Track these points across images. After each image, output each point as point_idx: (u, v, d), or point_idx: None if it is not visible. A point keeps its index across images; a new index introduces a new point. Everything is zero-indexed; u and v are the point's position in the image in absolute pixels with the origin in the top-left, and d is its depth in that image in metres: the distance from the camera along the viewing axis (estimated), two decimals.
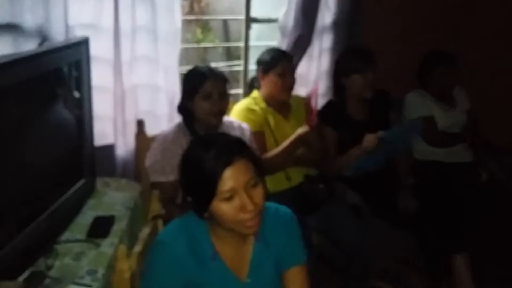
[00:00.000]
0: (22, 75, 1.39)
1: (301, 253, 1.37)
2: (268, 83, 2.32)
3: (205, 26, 4.50)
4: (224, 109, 2.00)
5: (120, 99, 2.20)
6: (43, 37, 1.93)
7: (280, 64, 2.29)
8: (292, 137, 2.19)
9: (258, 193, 1.17)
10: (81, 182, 1.85)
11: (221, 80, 1.98)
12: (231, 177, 1.13)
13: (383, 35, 2.88)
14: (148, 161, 2.02)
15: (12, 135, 1.38)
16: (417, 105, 2.80)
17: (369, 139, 2.24)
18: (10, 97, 1.34)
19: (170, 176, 1.94)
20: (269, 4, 2.67)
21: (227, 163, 1.13)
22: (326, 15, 2.64)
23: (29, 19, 1.85)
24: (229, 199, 1.14)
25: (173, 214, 1.59)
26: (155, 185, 1.96)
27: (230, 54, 4.51)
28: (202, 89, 1.93)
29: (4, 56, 1.41)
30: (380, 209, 2.43)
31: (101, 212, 1.86)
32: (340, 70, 2.51)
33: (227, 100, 2.02)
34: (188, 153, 1.21)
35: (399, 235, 2.40)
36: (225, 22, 4.55)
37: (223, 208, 1.15)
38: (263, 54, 2.36)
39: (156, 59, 2.24)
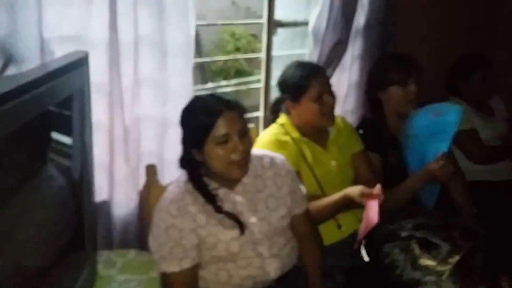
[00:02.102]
0: None
1: None
2: (303, 112, 1.77)
3: None
4: (247, 153, 1.40)
5: (119, 139, 1.59)
6: (7, 56, 1.31)
7: (313, 84, 1.74)
8: (339, 195, 1.64)
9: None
10: (84, 273, 1.23)
11: (239, 113, 1.38)
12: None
13: (418, 42, 2.44)
14: (152, 243, 1.40)
15: None
16: None
17: (439, 166, 1.76)
18: None
19: (184, 261, 1.35)
20: (290, 5, 2.13)
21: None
22: (360, 15, 2.15)
23: None
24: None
25: None
26: (164, 277, 1.37)
27: (202, 69, 3.93)
28: (214, 131, 1.34)
29: None
30: None
31: None
32: (376, 82, 2.04)
33: (250, 138, 1.43)
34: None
35: None
36: (196, 33, 3.94)
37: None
38: (286, 73, 1.80)
39: (164, 82, 1.64)
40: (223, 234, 1.39)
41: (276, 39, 2.07)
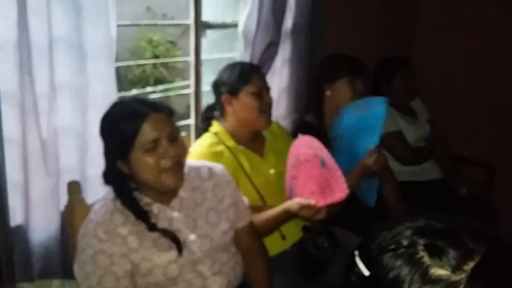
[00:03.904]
0: None
1: None
2: (240, 108, 1.68)
3: None
4: (182, 158, 1.28)
5: (34, 154, 1.39)
6: None
7: (254, 79, 1.68)
8: (279, 210, 1.55)
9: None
10: None
11: (167, 115, 1.24)
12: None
13: (346, 43, 2.45)
14: (78, 272, 1.23)
15: None
16: None
17: (374, 159, 1.75)
18: None
19: None
20: (217, 6, 2.04)
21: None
22: (288, 18, 2.09)
23: None
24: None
25: None
26: None
27: (118, 78, 3.67)
28: (140, 137, 1.19)
29: None
30: None
31: None
32: (322, 77, 2.01)
33: (183, 143, 1.29)
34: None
35: None
36: None
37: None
38: (223, 73, 1.72)
39: (84, 88, 1.47)
40: (159, 258, 1.24)
41: (204, 42, 1.97)
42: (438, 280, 0.57)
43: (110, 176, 1.26)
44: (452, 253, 0.58)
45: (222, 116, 1.74)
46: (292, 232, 1.74)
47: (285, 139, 1.87)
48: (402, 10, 2.92)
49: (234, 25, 2.02)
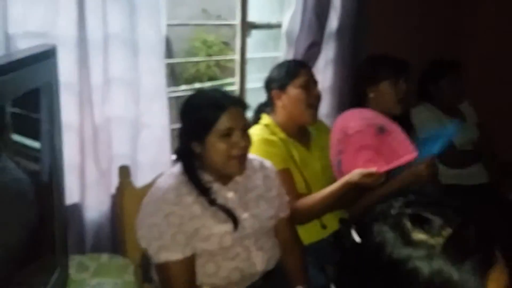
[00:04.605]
0: None
1: None
2: (288, 101, 1.78)
3: None
4: (246, 149, 1.42)
5: (90, 139, 1.54)
6: None
7: (302, 72, 1.78)
8: (338, 184, 1.62)
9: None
10: (55, 275, 1.17)
11: (242, 110, 1.42)
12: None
13: (390, 44, 2.46)
14: (144, 234, 1.36)
15: None
16: (427, 121, 2.42)
17: (427, 168, 1.75)
18: None
19: (187, 249, 1.33)
20: (263, 7, 2.13)
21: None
22: (333, 19, 2.15)
23: None
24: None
25: None
26: (165, 268, 1.33)
27: (174, 76, 3.89)
28: (218, 124, 1.35)
29: None
30: None
31: None
32: (366, 77, 2.03)
33: (250, 136, 1.43)
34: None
35: None
36: (168, 41, 3.90)
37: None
38: (273, 71, 1.84)
39: (136, 82, 1.61)
40: (216, 227, 1.38)
41: (249, 42, 2.06)
42: (417, 243, 0.63)
43: (183, 153, 1.42)
44: (432, 222, 0.63)
45: (272, 111, 1.83)
46: (332, 222, 1.81)
47: (328, 136, 1.93)
48: (450, 10, 2.87)
49: (279, 26, 2.10)
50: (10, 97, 0.93)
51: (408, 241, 0.63)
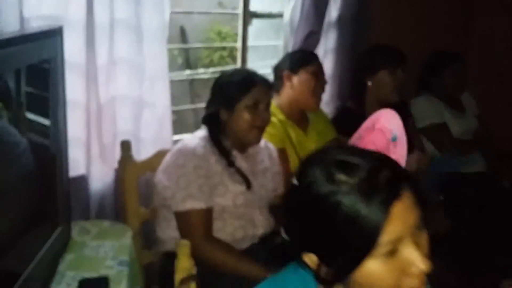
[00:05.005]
0: None
1: None
2: (298, 84, 1.92)
3: None
4: (268, 122, 1.64)
5: (95, 116, 1.68)
6: None
7: (314, 62, 1.94)
8: None
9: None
10: (57, 232, 1.31)
11: (269, 88, 1.64)
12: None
13: (391, 35, 2.54)
14: (170, 185, 1.53)
15: None
16: (427, 111, 2.52)
17: (419, 159, 1.86)
18: None
19: (210, 199, 1.53)
20: None
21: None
22: (333, 9, 2.26)
23: None
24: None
25: (217, 256, 1.47)
26: (189, 216, 1.50)
27: (189, 64, 4.03)
28: (248, 97, 1.56)
29: None
30: None
31: (86, 273, 1.33)
32: (365, 67, 2.15)
33: (270, 113, 1.64)
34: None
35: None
36: (182, 29, 4.05)
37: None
38: (286, 56, 2.02)
39: (140, 64, 1.74)
40: (233, 186, 1.57)
41: (251, 30, 2.18)
42: (337, 182, 0.73)
43: (210, 119, 1.62)
44: (354, 165, 0.74)
45: (278, 92, 1.95)
46: None
47: (325, 121, 2.06)
48: (453, 6, 2.93)
49: (280, 15, 2.21)
50: (18, 66, 1.07)
51: (331, 180, 0.74)
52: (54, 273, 1.31)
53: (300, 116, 1.98)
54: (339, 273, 0.75)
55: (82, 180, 1.72)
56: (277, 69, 1.98)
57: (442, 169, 2.47)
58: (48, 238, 1.25)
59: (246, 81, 1.57)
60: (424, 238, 0.76)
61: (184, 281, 1.11)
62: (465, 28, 3.03)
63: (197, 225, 1.49)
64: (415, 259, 0.72)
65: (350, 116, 2.13)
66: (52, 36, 1.25)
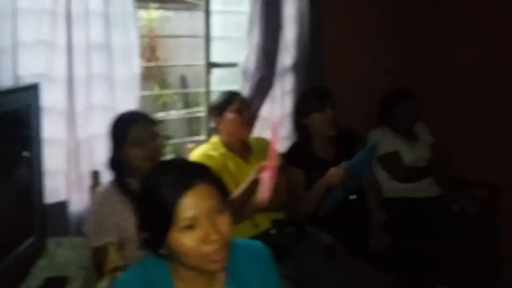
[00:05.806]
0: None
1: None
2: (226, 124, 2.24)
3: (163, 83, 4.43)
4: (158, 151, 1.87)
5: (73, 151, 2.06)
6: None
7: (234, 101, 2.25)
8: (244, 183, 2.08)
9: (224, 221, 1.06)
10: (29, 241, 1.67)
11: (149, 122, 1.87)
12: (191, 203, 1.02)
13: (345, 76, 2.89)
14: (88, 229, 1.84)
15: None
16: (381, 142, 2.78)
17: (334, 172, 2.17)
18: None
19: (104, 239, 1.74)
20: (229, 50, 2.65)
21: (187, 187, 1.03)
22: (286, 57, 2.64)
23: None
24: (190, 228, 1.02)
25: None
26: (94, 251, 1.77)
27: (188, 106, 4.44)
28: (130, 135, 1.81)
29: None
30: (354, 248, 2.31)
31: (52, 273, 1.68)
32: (300, 111, 2.47)
33: (160, 141, 1.90)
34: (145, 179, 1.12)
35: (376, 275, 2.27)
36: (183, 77, 4.50)
37: (183, 240, 1.03)
38: (214, 100, 2.33)
39: (113, 107, 2.12)
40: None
41: (213, 78, 2.60)
42: (157, 181, 1.07)
43: (113, 163, 1.85)
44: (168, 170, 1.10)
45: (218, 132, 2.30)
46: (264, 222, 2.21)
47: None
48: (407, 44, 3.26)
49: (236, 65, 2.62)
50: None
51: (155, 179, 1.07)
52: (27, 274, 1.66)
53: (241, 147, 2.29)
54: (156, 241, 1.06)
55: (63, 205, 2.08)
56: (210, 115, 2.32)
57: (395, 195, 2.74)
58: (19, 245, 1.61)
59: (125, 122, 1.84)
60: (224, 218, 1.05)
61: (112, 270, 1.44)
62: (422, 63, 3.31)
63: (101, 259, 1.62)
64: (208, 231, 1.02)
65: (299, 150, 2.45)
66: (30, 90, 1.66)
